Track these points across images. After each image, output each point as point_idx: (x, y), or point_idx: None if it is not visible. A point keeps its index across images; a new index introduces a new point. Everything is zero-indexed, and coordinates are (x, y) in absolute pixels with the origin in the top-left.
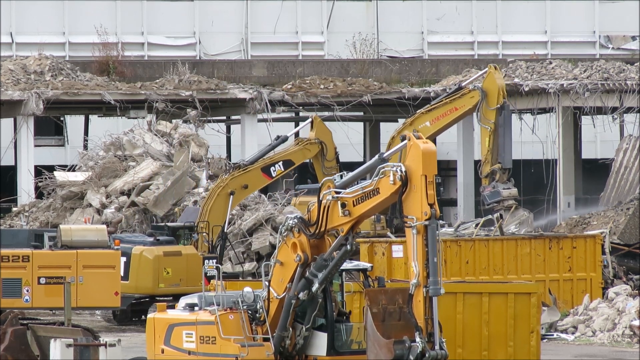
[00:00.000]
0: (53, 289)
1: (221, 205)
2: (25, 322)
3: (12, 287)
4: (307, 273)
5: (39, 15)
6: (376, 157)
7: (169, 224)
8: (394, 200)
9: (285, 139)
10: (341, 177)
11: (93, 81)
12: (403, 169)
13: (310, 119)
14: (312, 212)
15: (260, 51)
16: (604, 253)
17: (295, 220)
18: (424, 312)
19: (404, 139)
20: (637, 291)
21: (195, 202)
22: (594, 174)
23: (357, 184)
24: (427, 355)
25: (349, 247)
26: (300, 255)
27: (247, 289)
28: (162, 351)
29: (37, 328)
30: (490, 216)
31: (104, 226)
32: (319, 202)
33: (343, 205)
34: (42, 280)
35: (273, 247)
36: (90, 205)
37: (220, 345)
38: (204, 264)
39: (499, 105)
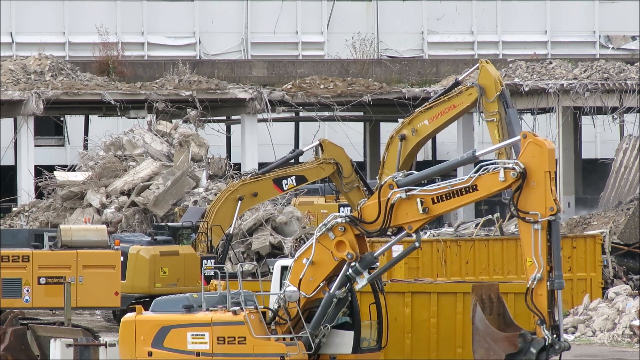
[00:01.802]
0: (53, 289)
1: (228, 209)
2: (25, 322)
3: (12, 287)
4: (350, 270)
5: (39, 15)
6: (469, 154)
7: (170, 223)
8: (488, 197)
9: (301, 153)
10: (404, 175)
11: (93, 81)
12: (522, 166)
13: (317, 142)
14: (367, 210)
15: (260, 51)
16: (604, 253)
17: (346, 218)
18: (547, 305)
19: (402, 138)
20: (637, 291)
21: (195, 202)
22: (594, 174)
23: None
24: (557, 347)
25: (417, 244)
26: (352, 253)
27: (292, 288)
28: (150, 354)
29: (37, 328)
30: (490, 216)
31: (104, 226)
32: (380, 200)
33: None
34: (42, 280)
35: (273, 247)
36: (90, 205)
37: (253, 345)
38: (202, 264)
39: (498, 93)
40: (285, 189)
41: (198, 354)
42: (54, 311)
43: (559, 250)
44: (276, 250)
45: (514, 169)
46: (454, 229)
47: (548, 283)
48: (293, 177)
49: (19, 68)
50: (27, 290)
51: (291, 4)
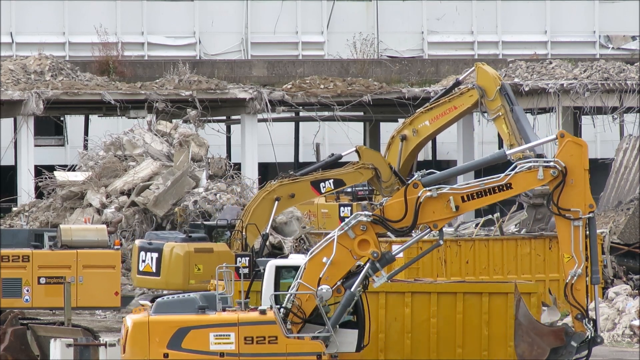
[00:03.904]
0: (53, 289)
1: (264, 209)
2: (25, 322)
3: (12, 287)
4: (369, 269)
5: (39, 15)
6: (500, 152)
7: (206, 222)
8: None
9: (339, 157)
10: (422, 175)
11: (93, 81)
12: (562, 164)
13: (354, 148)
14: (390, 209)
15: (260, 51)
16: (603, 253)
17: (371, 217)
18: (586, 300)
19: (403, 138)
20: (637, 291)
21: (195, 202)
22: (594, 174)
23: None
24: (599, 340)
25: (441, 242)
26: (377, 252)
27: (325, 287)
28: (166, 355)
29: (37, 328)
30: (490, 216)
31: (104, 226)
32: (406, 199)
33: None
34: (42, 280)
35: (273, 247)
36: (90, 205)
37: (286, 344)
38: (236, 262)
39: (498, 87)
40: (322, 191)
41: (222, 354)
42: (54, 311)
43: (596, 246)
44: (276, 250)
45: (555, 167)
46: (454, 229)
47: (587, 279)
48: (331, 181)
49: (19, 68)
50: (27, 290)
51: (291, 4)
